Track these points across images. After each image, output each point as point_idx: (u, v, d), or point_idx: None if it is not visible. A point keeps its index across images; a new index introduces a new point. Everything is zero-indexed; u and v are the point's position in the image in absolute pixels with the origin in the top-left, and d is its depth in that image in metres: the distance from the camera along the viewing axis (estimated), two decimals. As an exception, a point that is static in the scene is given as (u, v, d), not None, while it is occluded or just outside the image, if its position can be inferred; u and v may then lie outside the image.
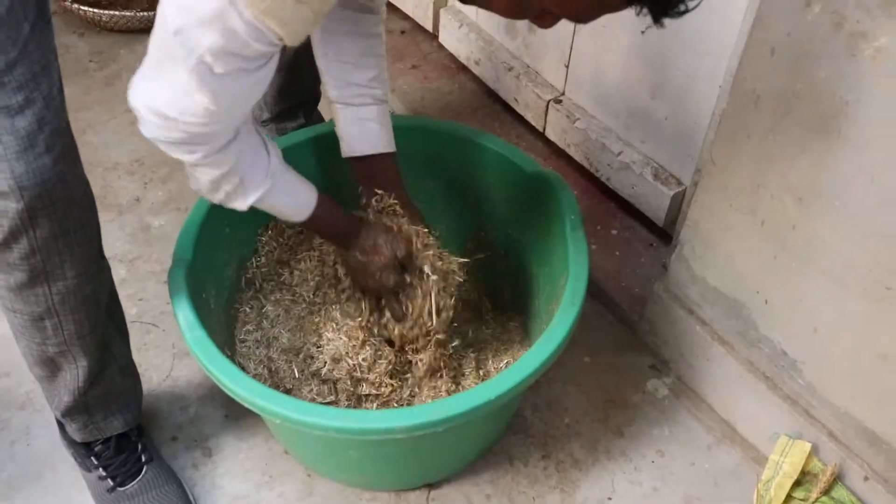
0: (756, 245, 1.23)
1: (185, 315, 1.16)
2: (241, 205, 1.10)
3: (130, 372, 1.27)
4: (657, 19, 0.82)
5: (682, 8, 0.81)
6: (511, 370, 1.10)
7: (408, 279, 1.24)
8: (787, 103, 1.08)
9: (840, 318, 1.16)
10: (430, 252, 1.23)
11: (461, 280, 1.28)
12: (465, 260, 1.31)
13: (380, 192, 1.28)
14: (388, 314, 1.25)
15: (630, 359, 1.53)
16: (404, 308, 1.25)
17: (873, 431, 1.20)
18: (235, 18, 0.80)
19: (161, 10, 0.83)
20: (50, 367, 1.16)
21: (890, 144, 0.99)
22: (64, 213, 0.99)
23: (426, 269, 1.24)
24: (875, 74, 0.96)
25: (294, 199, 1.16)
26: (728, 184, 1.22)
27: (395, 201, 1.27)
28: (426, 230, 1.26)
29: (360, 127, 1.27)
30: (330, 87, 1.26)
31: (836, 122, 1.03)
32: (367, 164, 1.28)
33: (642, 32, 1.47)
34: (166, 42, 0.84)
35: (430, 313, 1.24)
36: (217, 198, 1.09)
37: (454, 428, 1.08)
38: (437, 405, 1.08)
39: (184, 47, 0.83)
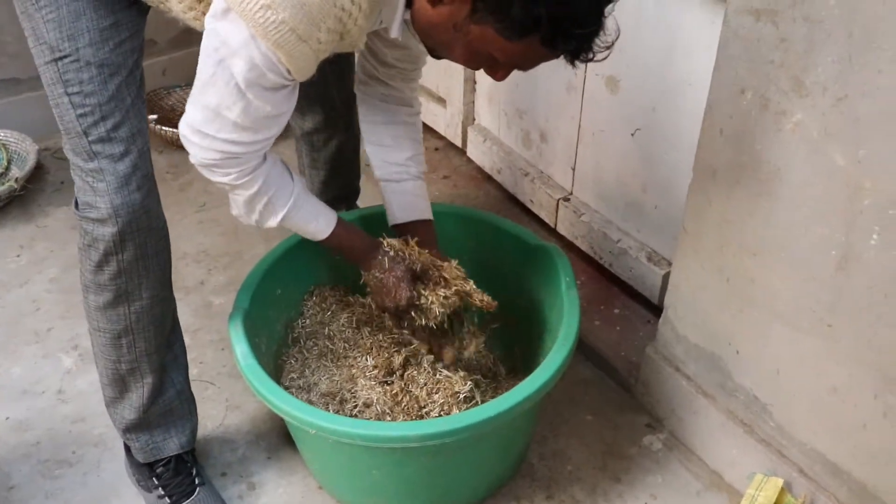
0: (725, 300, 1.44)
1: (241, 348, 1.40)
2: (273, 221, 1.33)
3: (186, 398, 1.50)
4: (572, 63, 1.09)
5: (590, 57, 1.08)
6: (508, 395, 1.30)
7: (422, 295, 1.41)
8: (735, 174, 1.32)
9: (796, 358, 1.35)
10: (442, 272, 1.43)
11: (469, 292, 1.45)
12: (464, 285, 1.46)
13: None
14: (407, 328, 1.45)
15: (628, 417, 1.70)
16: (419, 321, 1.43)
17: (835, 464, 1.36)
18: (255, 49, 1.07)
19: (204, 44, 1.11)
20: (120, 387, 1.40)
21: (814, 200, 1.21)
22: (145, 240, 1.27)
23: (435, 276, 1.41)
24: (796, 143, 1.21)
25: (316, 217, 1.39)
26: (698, 248, 1.45)
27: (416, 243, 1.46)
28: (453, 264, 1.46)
29: (400, 199, 1.53)
30: (375, 167, 1.54)
31: (773, 186, 1.27)
32: (407, 229, 1.52)
33: (632, 135, 1.76)
34: (208, 70, 1.12)
35: (441, 322, 1.42)
36: (253, 217, 1.33)
37: (466, 444, 1.28)
38: (449, 419, 1.29)
39: (223, 73, 1.10)
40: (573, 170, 1.96)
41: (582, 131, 1.88)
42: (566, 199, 1.99)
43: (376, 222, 1.59)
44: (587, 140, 1.88)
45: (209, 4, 1.12)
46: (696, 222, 1.44)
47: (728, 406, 1.52)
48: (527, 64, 1.12)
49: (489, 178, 2.27)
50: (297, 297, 1.66)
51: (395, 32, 1.17)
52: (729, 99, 1.28)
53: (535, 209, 2.10)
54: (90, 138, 1.23)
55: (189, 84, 2.69)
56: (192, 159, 1.23)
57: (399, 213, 1.54)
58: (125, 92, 1.24)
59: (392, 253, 1.42)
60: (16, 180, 2.27)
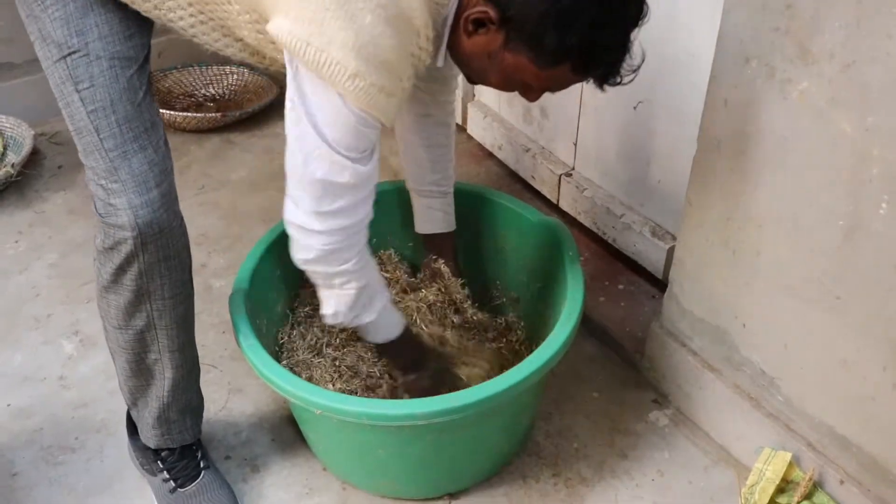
0: (730, 274, 1.42)
1: (242, 330, 1.38)
2: (369, 315, 1.37)
3: (199, 390, 1.49)
4: (601, 86, 1.15)
5: (618, 81, 1.13)
6: (514, 370, 1.29)
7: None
8: (740, 145, 1.30)
9: (804, 331, 1.33)
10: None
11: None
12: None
13: (434, 256, 1.67)
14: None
15: (634, 394, 1.69)
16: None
17: (844, 436, 1.34)
18: (348, 114, 1.10)
19: (294, 120, 1.13)
20: (146, 376, 1.38)
21: (820, 170, 1.19)
22: (166, 241, 1.24)
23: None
24: (802, 112, 1.18)
25: (395, 315, 1.44)
26: (703, 221, 1.43)
27: (442, 262, 1.65)
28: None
29: (428, 213, 1.65)
30: (409, 180, 1.65)
31: (779, 155, 1.24)
32: (431, 239, 1.67)
33: (634, 108, 1.73)
34: (307, 146, 1.13)
35: None
36: (352, 314, 1.35)
37: (472, 421, 1.28)
38: (454, 395, 1.28)
39: (323, 144, 1.12)
40: (575, 145, 1.94)
41: (583, 105, 1.85)
42: (568, 175, 1.97)
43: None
44: (588, 114, 1.86)
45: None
46: (700, 195, 1.42)
47: (735, 380, 1.50)
48: (557, 88, 1.19)
49: (490, 154, 2.25)
50: (297, 278, 1.64)
51: (440, 62, 1.22)
52: (733, 68, 1.26)
53: (536, 185, 2.08)
54: (102, 135, 1.19)
55: (185, 65, 2.70)
56: (309, 254, 1.24)
57: (426, 226, 1.66)
58: (137, 85, 1.21)
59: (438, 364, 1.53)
60: (12, 166, 2.25)
